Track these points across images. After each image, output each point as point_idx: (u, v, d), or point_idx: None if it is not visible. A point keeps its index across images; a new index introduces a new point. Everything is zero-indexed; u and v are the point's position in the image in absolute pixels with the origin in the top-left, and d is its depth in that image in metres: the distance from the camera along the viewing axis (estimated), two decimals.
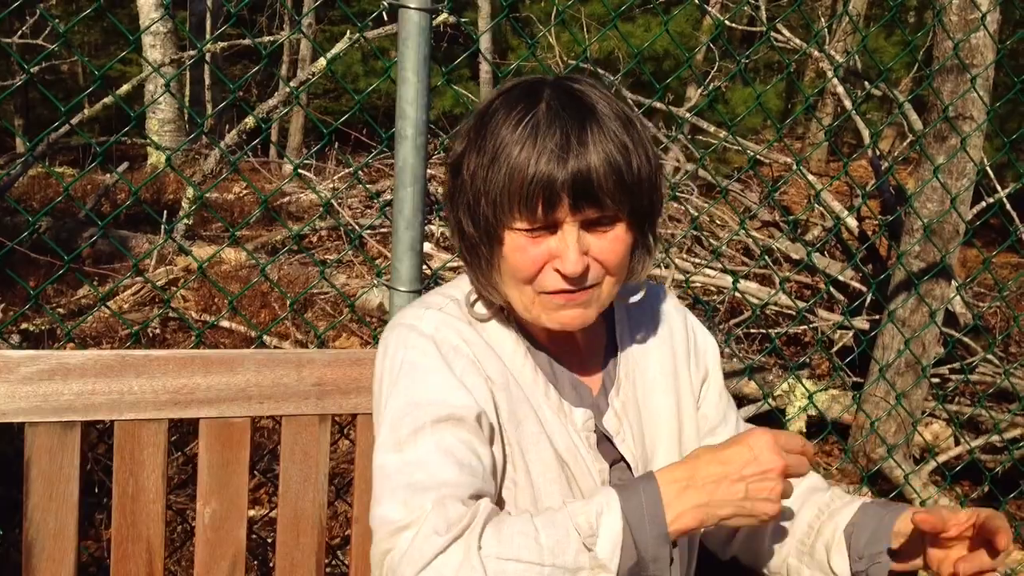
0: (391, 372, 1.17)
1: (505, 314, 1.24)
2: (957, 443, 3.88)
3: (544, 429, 1.19)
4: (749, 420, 4.04)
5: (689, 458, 1.06)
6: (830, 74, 4.83)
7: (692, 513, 1.01)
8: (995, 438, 3.73)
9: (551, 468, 1.18)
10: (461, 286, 1.28)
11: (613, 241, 1.11)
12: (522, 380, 1.21)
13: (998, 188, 4.63)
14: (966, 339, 4.22)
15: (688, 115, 5.48)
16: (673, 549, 1.02)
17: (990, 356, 4.21)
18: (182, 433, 3.06)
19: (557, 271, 1.10)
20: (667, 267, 4.69)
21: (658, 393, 1.30)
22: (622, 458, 1.24)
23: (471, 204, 1.12)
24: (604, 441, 1.24)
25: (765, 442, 1.03)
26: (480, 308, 1.24)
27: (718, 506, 1.02)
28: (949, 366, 4.28)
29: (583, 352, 1.28)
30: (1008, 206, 4.47)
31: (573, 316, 1.14)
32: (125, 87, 5.58)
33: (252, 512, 2.92)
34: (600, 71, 5.08)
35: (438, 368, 1.15)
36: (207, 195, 6.98)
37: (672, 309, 1.39)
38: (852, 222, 5.01)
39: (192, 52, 7.23)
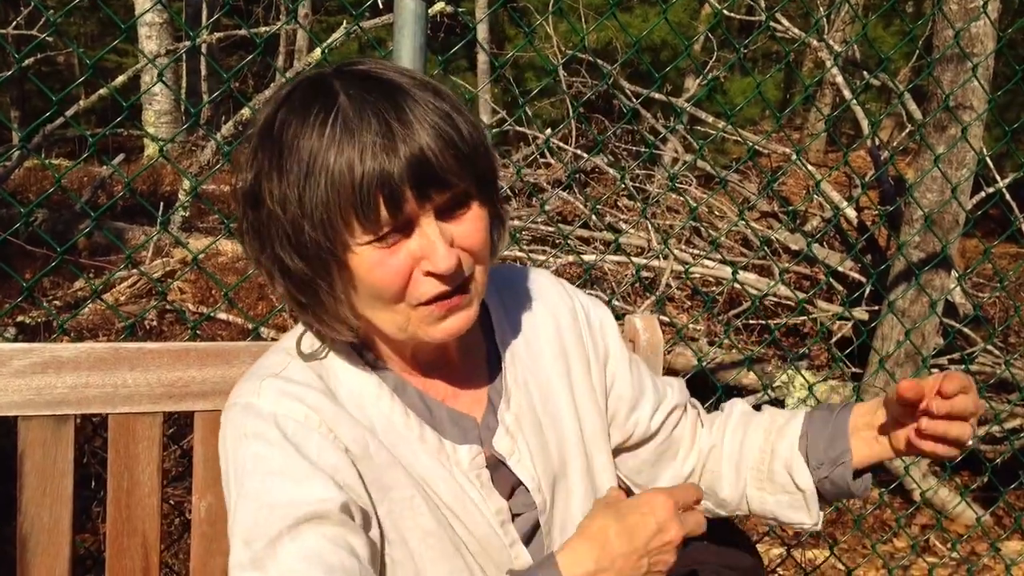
0: (235, 472, 1.01)
1: (357, 353, 1.10)
2: None
3: (420, 488, 1.06)
4: None
5: (595, 534, 0.94)
6: (829, 64, 4.81)
7: None
8: (995, 428, 3.72)
9: (432, 534, 1.06)
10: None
11: (473, 221, 0.99)
12: (390, 433, 1.06)
13: (997, 178, 4.62)
14: (966, 329, 4.21)
15: (687, 105, 5.46)
16: None
17: (990, 346, 4.20)
18: (179, 426, 3.05)
19: (429, 274, 0.96)
20: (666, 258, 4.67)
21: (556, 390, 1.20)
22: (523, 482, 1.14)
23: (290, 235, 0.95)
24: (501, 465, 1.13)
25: (666, 510, 0.94)
26: (323, 353, 1.09)
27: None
28: (949, 356, 4.27)
29: (460, 368, 1.15)
30: (1008, 196, 4.45)
31: (457, 322, 1.02)
32: (121, 78, 5.55)
33: None
34: (598, 61, 5.06)
35: (285, 458, 0.99)
36: (205, 187, 6.96)
37: (555, 293, 1.26)
38: (851, 212, 5.00)
39: (187, 43, 7.20)
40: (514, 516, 1.12)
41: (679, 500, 0.96)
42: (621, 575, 0.93)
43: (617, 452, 1.30)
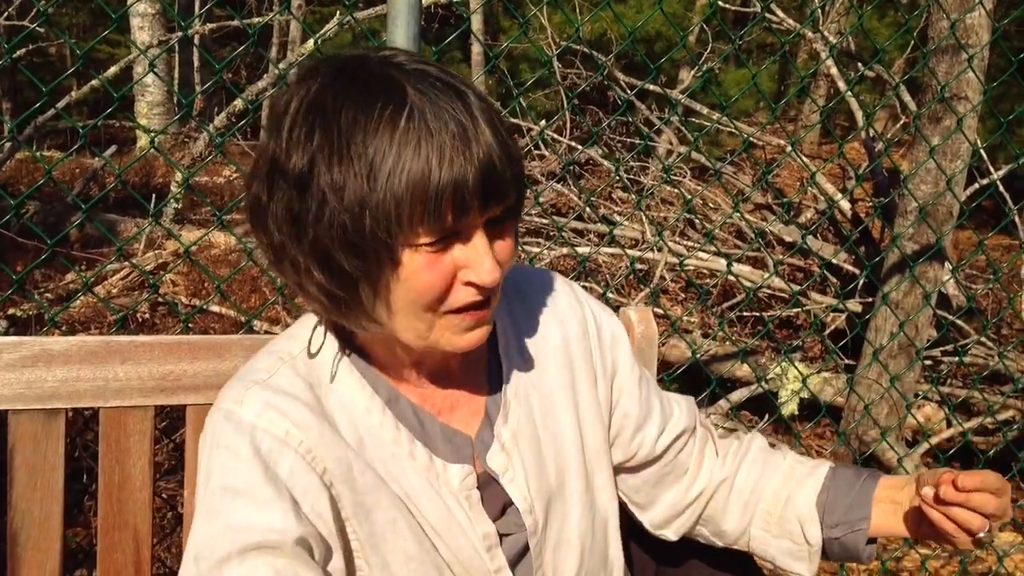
0: (203, 480, 0.99)
1: (352, 361, 1.06)
2: (949, 425, 3.88)
3: (404, 508, 1.03)
4: (743, 404, 4.05)
5: None
6: (824, 55, 4.81)
7: None
8: (988, 420, 3.73)
9: (413, 558, 1.03)
10: (307, 329, 1.09)
11: (509, 235, 0.97)
12: (377, 447, 1.03)
13: (991, 169, 4.62)
14: (959, 321, 4.22)
15: (681, 97, 5.45)
16: None
17: (983, 338, 4.21)
18: (171, 420, 3.04)
19: (469, 284, 0.94)
20: (660, 250, 4.67)
21: (558, 404, 1.15)
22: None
23: (346, 226, 0.88)
24: (494, 482, 1.10)
25: None
26: (328, 356, 1.06)
27: None
28: (942, 348, 4.28)
29: (459, 379, 1.11)
30: (1001, 187, 4.46)
31: (480, 335, 0.99)
32: (113, 69, 5.51)
33: None
34: (593, 52, 5.04)
35: (251, 476, 0.96)
36: (197, 178, 6.94)
37: (565, 301, 1.21)
38: (845, 204, 5.01)
39: (179, 33, 7.16)
40: (503, 536, 1.09)
41: None
42: None
43: (618, 471, 1.26)
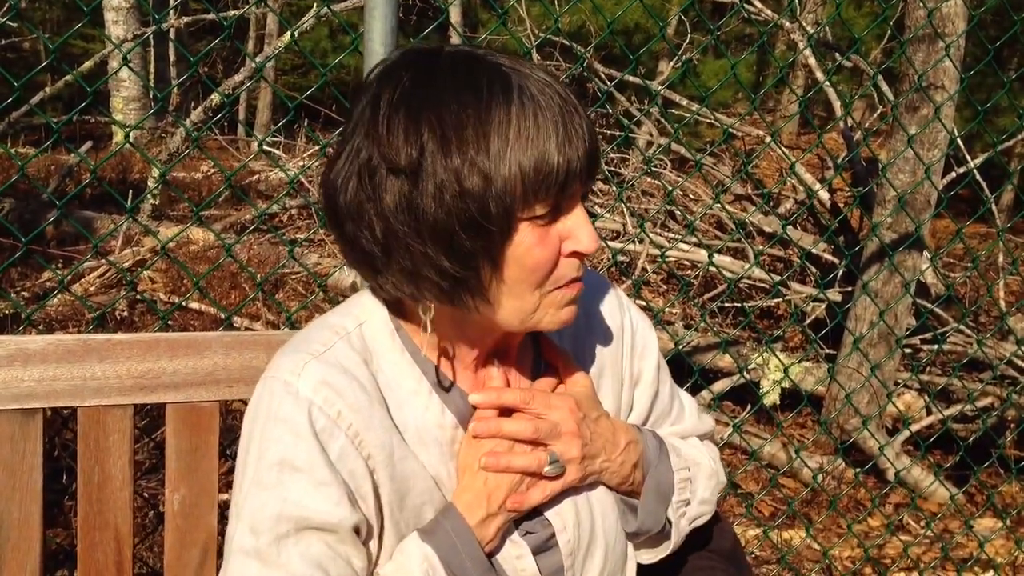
0: (258, 450, 1.01)
1: (405, 340, 1.08)
2: (929, 413, 3.91)
3: (438, 492, 1.07)
4: (725, 394, 4.07)
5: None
6: (802, 45, 4.82)
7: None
8: (967, 407, 3.76)
9: None
10: (361, 306, 1.11)
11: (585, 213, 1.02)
12: (421, 430, 1.06)
13: (968, 158, 4.65)
14: (938, 310, 4.25)
15: (661, 88, 5.45)
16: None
17: (962, 326, 4.24)
18: (152, 418, 3.01)
19: (572, 255, 0.99)
20: (641, 242, 4.68)
21: None
22: None
23: (471, 206, 0.92)
24: None
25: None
26: (382, 334, 1.08)
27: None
28: (921, 336, 4.32)
29: (512, 365, 1.14)
30: (978, 176, 4.49)
31: (574, 310, 1.04)
32: (87, 64, 5.46)
33: (225, 496, 2.88)
34: (572, 44, 5.03)
35: (309, 454, 0.99)
36: (175, 174, 6.88)
37: (608, 305, 1.25)
38: (824, 194, 5.03)
39: (154, 27, 7.09)
40: (526, 533, 1.11)
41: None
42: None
43: None
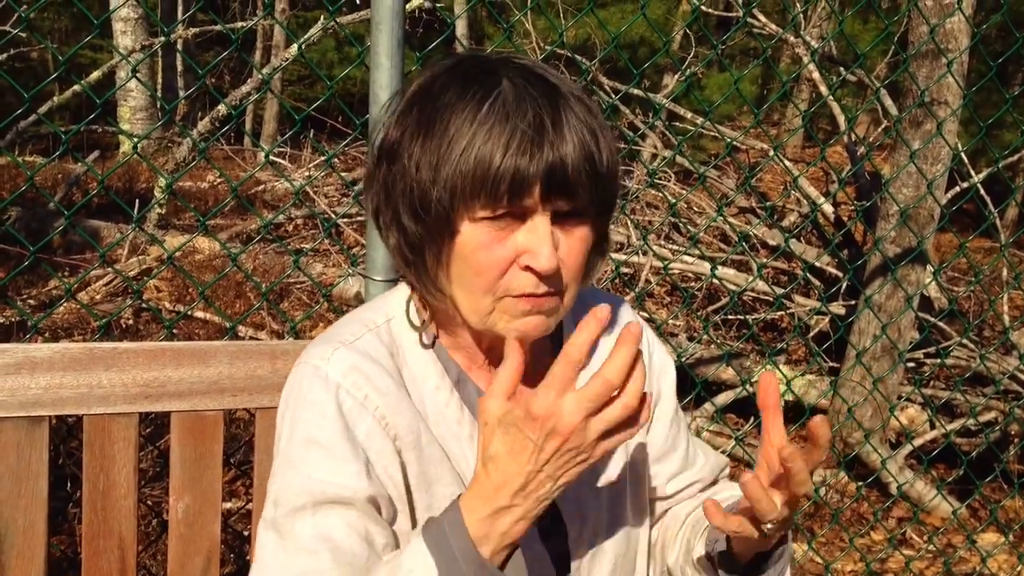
0: (289, 431, 1.06)
1: (432, 335, 1.11)
2: (932, 427, 3.91)
3: (462, 485, 1.08)
4: (728, 407, 4.06)
5: (489, 471, 0.93)
6: (806, 60, 4.84)
7: (515, 529, 0.92)
8: (970, 422, 3.76)
9: None
10: (389, 303, 1.14)
11: (580, 240, 1.00)
12: (440, 425, 1.08)
13: (972, 173, 4.66)
14: (941, 324, 4.25)
15: (665, 101, 5.47)
16: (508, 559, 0.94)
17: (965, 340, 4.24)
18: (156, 426, 3.02)
19: (528, 268, 0.97)
20: (645, 254, 4.68)
21: None
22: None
23: (415, 194, 0.97)
24: None
25: (549, 415, 0.88)
26: (408, 330, 1.11)
27: (535, 504, 0.92)
28: (924, 351, 4.31)
29: (528, 372, 1.13)
30: (982, 191, 4.50)
31: (536, 324, 1.01)
32: (95, 74, 5.50)
33: (229, 505, 2.90)
34: (577, 57, 5.06)
35: (334, 433, 1.02)
36: (181, 183, 6.91)
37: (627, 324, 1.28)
38: (828, 208, 5.03)
39: (161, 38, 7.13)
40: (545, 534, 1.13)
41: (582, 399, 0.89)
42: (527, 503, 0.91)
43: None
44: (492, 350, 1.12)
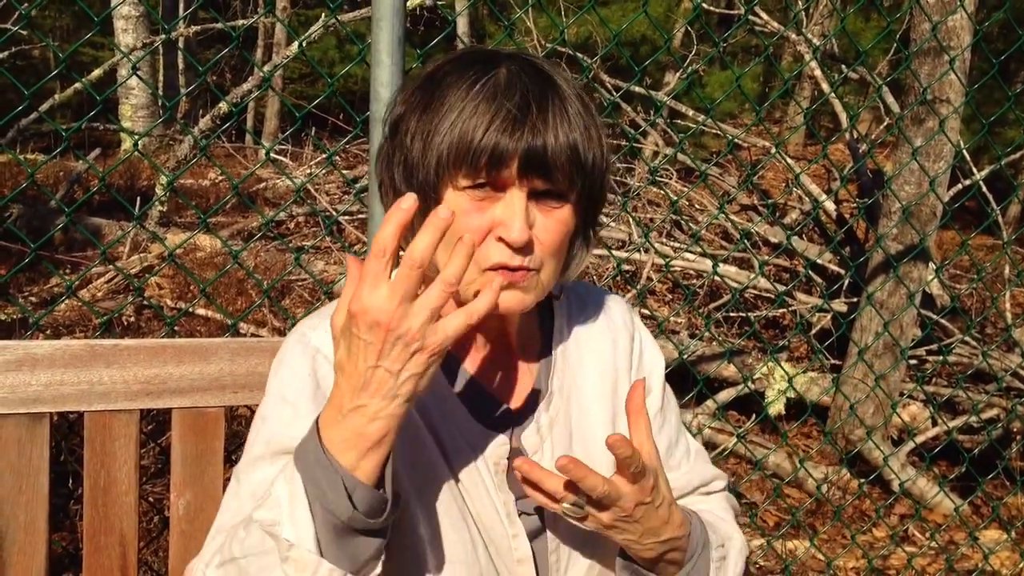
0: (268, 388, 1.12)
1: None
2: (935, 424, 3.90)
3: (443, 462, 1.10)
4: (730, 404, 4.06)
5: (337, 383, 0.93)
6: (808, 57, 4.83)
7: (370, 429, 0.90)
8: (972, 419, 3.76)
9: (443, 501, 1.09)
10: None
11: (559, 221, 1.03)
12: (427, 400, 1.10)
13: (974, 170, 4.65)
14: (943, 321, 4.24)
15: (666, 99, 5.47)
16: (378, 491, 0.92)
17: (967, 337, 4.24)
18: (158, 423, 3.02)
19: (501, 240, 1.00)
20: (647, 252, 4.68)
21: (594, 412, 1.20)
22: None
23: (407, 162, 1.05)
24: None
25: (376, 310, 0.87)
26: None
27: (385, 401, 0.90)
28: (926, 348, 4.31)
29: (516, 357, 1.19)
30: (984, 188, 4.49)
31: (513, 298, 1.03)
32: (96, 72, 5.49)
33: None
34: (578, 55, 5.05)
35: (300, 392, 1.07)
36: (182, 181, 6.91)
37: (621, 319, 1.29)
38: (830, 205, 5.03)
39: (163, 36, 7.13)
40: (523, 514, 1.13)
41: (393, 286, 0.87)
42: (375, 400, 0.90)
43: None
44: (482, 328, 1.14)
